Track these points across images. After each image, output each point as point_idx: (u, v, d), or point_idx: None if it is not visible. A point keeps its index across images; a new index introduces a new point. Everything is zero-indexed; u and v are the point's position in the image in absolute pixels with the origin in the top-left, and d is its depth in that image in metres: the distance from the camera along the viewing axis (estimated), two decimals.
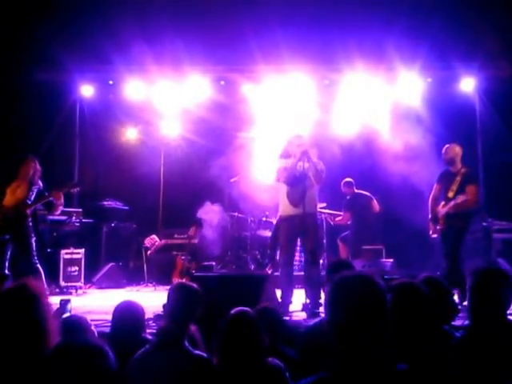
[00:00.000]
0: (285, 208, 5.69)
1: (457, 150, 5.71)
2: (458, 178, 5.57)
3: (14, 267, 5.89)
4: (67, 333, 2.67)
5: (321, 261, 7.07)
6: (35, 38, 7.80)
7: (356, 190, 7.94)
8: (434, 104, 8.74)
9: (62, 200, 5.99)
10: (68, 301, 4.75)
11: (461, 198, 5.41)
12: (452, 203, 5.48)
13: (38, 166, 6.10)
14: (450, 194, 5.56)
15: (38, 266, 5.89)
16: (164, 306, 2.85)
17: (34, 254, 5.89)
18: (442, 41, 7.71)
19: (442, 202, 5.68)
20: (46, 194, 6.00)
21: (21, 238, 5.86)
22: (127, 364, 2.65)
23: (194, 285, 2.90)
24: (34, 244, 5.90)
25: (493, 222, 7.58)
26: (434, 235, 5.84)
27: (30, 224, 5.92)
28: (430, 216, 5.81)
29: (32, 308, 1.98)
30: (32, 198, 5.94)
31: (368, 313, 1.54)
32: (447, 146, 5.82)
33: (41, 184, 6.07)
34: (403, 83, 8.75)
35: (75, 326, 2.82)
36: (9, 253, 5.87)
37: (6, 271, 5.81)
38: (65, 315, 4.32)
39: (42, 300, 2.03)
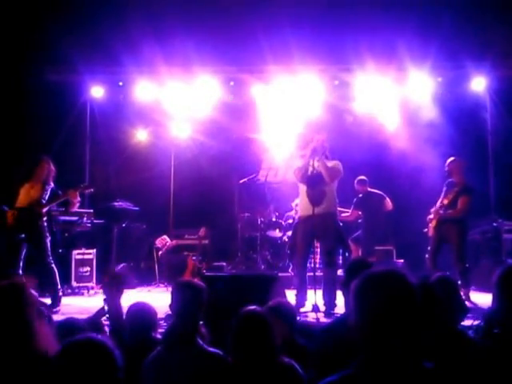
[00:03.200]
0: (303, 208, 5.65)
1: (456, 164, 6.30)
2: (456, 189, 6.18)
3: (29, 267, 5.92)
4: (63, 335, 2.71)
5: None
6: (46, 39, 7.86)
7: (369, 189, 7.88)
8: (444, 103, 8.70)
9: (79, 198, 6.02)
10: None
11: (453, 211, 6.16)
12: (448, 213, 6.20)
13: (52, 167, 6.11)
14: (445, 201, 6.25)
15: (53, 266, 5.90)
16: (170, 306, 2.86)
17: (49, 254, 5.90)
18: (452, 40, 7.66)
19: (438, 204, 6.35)
20: (60, 193, 6.01)
21: (35, 238, 5.86)
22: (141, 366, 2.66)
23: (196, 280, 2.92)
24: (48, 244, 5.91)
25: (503, 223, 7.58)
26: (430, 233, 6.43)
27: (45, 224, 5.92)
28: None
29: (15, 308, 1.98)
30: (46, 198, 5.97)
31: (398, 310, 1.49)
32: (449, 159, 6.38)
33: (53, 184, 6.11)
34: (414, 83, 8.72)
35: (71, 329, 2.84)
36: (23, 253, 5.87)
37: (20, 271, 5.84)
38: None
39: (25, 301, 2.01)
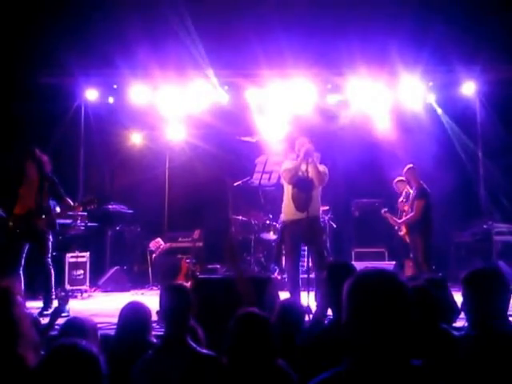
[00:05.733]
0: (289, 212, 5.68)
1: (410, 171, 6.68)
2: (414, 194, 6.58)
3: (28, 266, 5.88)
4: (68, 334, 2.71)
5: None
6: (41, 42, 7.86)
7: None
8: (435, 107, 8.80)
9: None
10: (66, 301, 4.76)
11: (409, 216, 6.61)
12: (403, 219, 6.72)
13: (40, 158, 5.86)
14: (406, 207, 6.73)
15: (51, 267, 5.88)
16: (157, 313, 2.86)
17: (49, 255, 5.88)
18: (443, 45, 7.76)
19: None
20: (73, 204, 5.98)
21: (38, 237, 5.81)
22: (132, 369, 2.64)
23: (182, 283, 2.93)
24: (50, 245, 5.88)
25: (493, 225, 7.67)
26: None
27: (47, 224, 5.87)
28: None
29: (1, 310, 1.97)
30: (48, 192, 5.85)
31: (390, 309, 1.50)
32: (405, 168, 6.74)
33: (50, 176, 5.91)
34: (405, 87, 8.81)
35: (77, 328, 2.85)
36: (25, 252, 5.81)
37: (21, 271, 5.77)
38: (63, 314, 4.37)
39: (12, 303, 2.00)
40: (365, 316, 1.52)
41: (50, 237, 5.93)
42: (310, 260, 5.81)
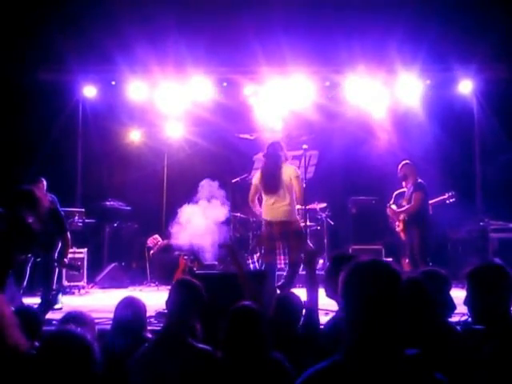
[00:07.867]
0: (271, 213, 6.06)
1: (408, 166, 6.66)
2: (411, 189, 6.56)
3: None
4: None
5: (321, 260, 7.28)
6: (39, 38, 7.87)
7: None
8: (432, 105, 8.83)
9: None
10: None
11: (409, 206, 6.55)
12: (403, 209, 6.61)
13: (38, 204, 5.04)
14: (404, 202, 6.71)
15: (56, 264, 5.90)
16: (166, 303, 2.89)
17: (56, 252, 5.89)
18: (441, 43, 7.80)
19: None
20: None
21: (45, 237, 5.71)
22: (128, 362, 2.66)
23: (195, 281, 2.96)
24: (59, 243, 5.91)
25: (489, 222, 7.71)
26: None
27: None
28: None
29: None
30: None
31: (383, 300, 1.53)
32: (401, 164, 6.71)
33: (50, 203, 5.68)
34: (403, 85, 8.83)
35: (75, 320, 2.86)
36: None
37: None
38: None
39: None
40: (359, 304, 1.55)
41: (58, 236, 5.92)
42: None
